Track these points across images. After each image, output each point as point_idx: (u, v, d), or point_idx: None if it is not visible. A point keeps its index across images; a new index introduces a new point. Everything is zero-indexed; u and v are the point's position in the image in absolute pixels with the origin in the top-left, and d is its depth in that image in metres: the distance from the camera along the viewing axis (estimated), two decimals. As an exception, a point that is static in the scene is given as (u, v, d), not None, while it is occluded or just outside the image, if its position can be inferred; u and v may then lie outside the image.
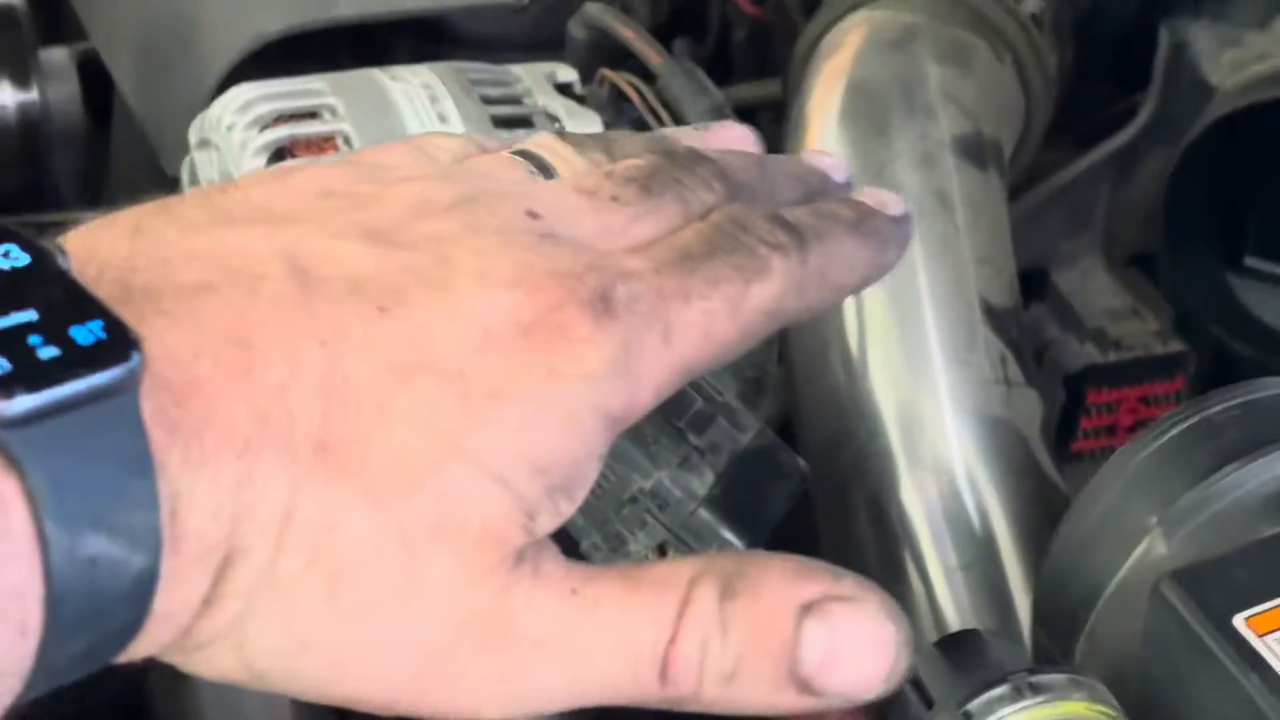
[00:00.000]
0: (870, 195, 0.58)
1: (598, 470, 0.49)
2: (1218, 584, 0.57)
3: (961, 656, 0.59)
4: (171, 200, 0.50)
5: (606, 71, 0.86)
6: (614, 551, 0.78)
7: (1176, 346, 1.03)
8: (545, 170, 0.54)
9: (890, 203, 0.58)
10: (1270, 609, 0.56)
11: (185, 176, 0.85)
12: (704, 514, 0.76)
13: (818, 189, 0.59)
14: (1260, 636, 0.55)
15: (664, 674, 0.47)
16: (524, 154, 0.55)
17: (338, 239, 0.48)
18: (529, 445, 0.47)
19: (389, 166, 0.53)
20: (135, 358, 0.42)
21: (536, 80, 0.85)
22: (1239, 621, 0.56)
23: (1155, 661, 0.58)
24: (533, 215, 0.50)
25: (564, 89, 0.85)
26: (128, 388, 0.41)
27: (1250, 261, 1.04)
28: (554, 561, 0.48)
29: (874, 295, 0.87)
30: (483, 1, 1.01)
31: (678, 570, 0.48)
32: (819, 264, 0.53)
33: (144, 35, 1.00)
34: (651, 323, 0.49)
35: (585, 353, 0.48)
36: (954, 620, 0.83)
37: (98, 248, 0.46)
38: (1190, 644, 0.56)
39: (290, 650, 0.45)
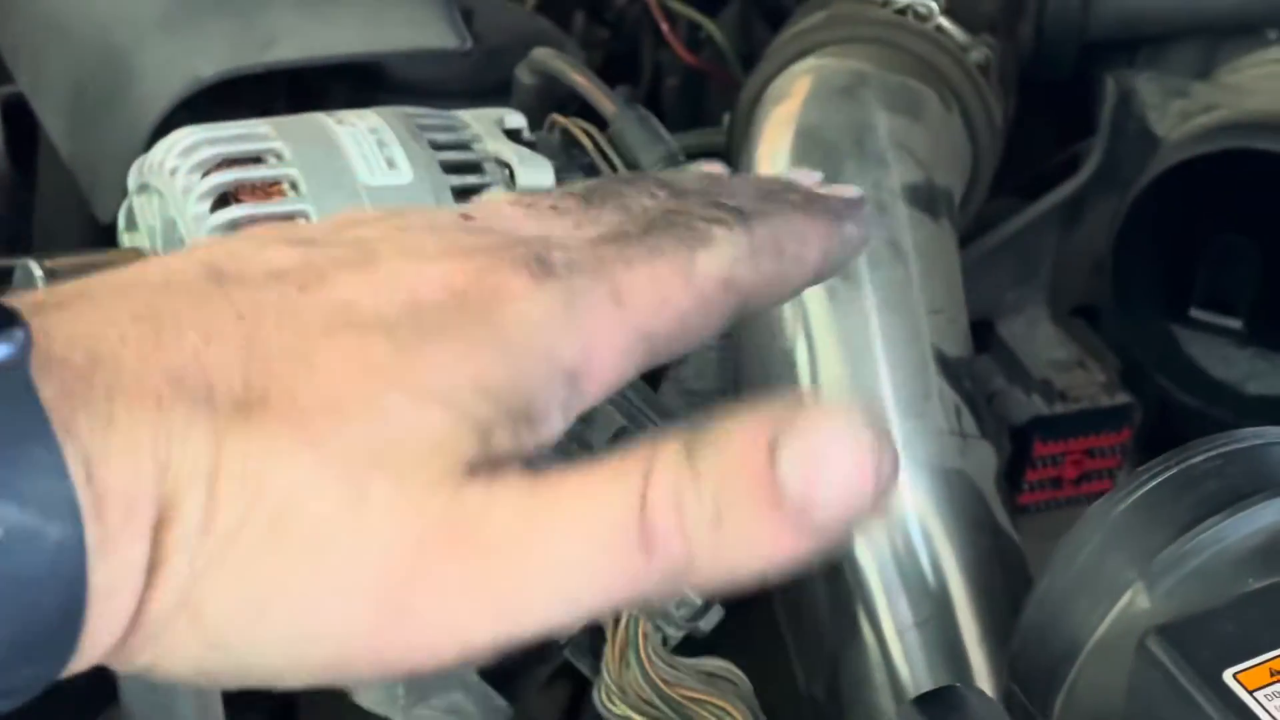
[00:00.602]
0: (824, 186, 0.57)
1: (562, 424, 0.47)
2: (1206, 639, 0.56)
3: (942, 713, 0.58)
4: None
5: (558, 117, 0.85)
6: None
7: (1123, 398, 1.02)
8: None
9: (845, 188, 0.56)
10: (1260, 664, 0.55)
11: (122, 221, 0.82)
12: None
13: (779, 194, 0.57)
14: (1251, 692, 0.55)
15: (645, 542, 0.43)
16: None
17: (261, 248, 0.47)
18: (471, 371, 0.45)
19: None
20: (19, 335, 0.40)
21: (485, 126, 0.83)
22: (1228, 677, 0.55)
23: (1141, 718, 0.57)
24: (467, 217, 0.50)
25: (513, 135, 0.83)
26: (14, 364, 0.40)
27: (1196, 313, 1.04)
28: (512, 470, 0.45)
29: (827, 345, 0.86)
30: (422, 47, 0.99)
31: (636, 448, 0.45)
32: (767, 234, 0.51)
33: (75, 79, 0.97)
34: (596, 283, 0.47)
35: (524, 307, 0.46)
36: (908, 678, 0.82)
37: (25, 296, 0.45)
38: (1179, 700, 0.55)
39: (249, 611, 0.43)
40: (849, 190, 0.56)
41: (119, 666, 0.44)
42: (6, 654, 0.41)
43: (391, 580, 0.43)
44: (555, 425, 0.47)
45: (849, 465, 0.42)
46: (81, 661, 0.42)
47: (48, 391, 0.41)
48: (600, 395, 0.48)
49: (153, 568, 0.42)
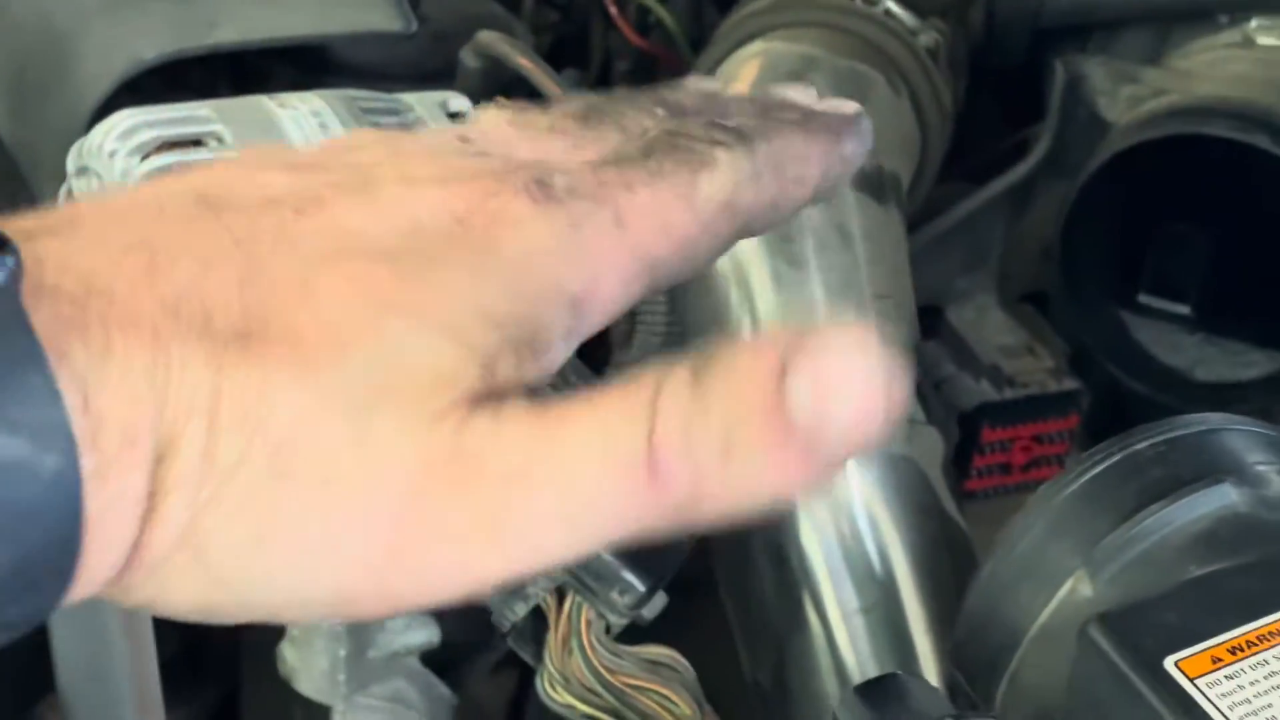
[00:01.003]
0: (821, 102, 0.55)
1: (565, 352, 0.46)
2: (1147, 626, 0.56)
3: (883, 702, 0.57)
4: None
5: (503, 101, 0.84)
6: (511, 594, 0.76)
7: (1071, 384, 1.02)
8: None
9: (842, 104, 0.55)
10: (1202, 651, 0.55)
11: (62, 203, 0.82)
12: (605, 555, 0.74)
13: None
14: (1192, 680, 0.54)
15: (653, 471, 0.41)
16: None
17: (254, 171, 0.46)
18: (476, 300, 0.44)
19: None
20: (9, 261, 0.39)
21: (429, 109, 0.82)
22: (1170, 665, 0.54)
23: (1083, 707, 0.57)
24: (464, 139, 0.49)
25: (457, 118, 0.83)
26: (4, 291, 0.39)
27: (1144, 299, 1.04)
28: (517, 401, 0.44)
29: (774, 330, 0.85)
30: (367, 29, 0.98)
31: (644, 373, 0.44)
32: (768, 154, 0.50)
33: (15, 61, 0.96)
34: (598, 207, 0.47)
35: (528, 231, 0.45)
36: (854, 665, 0.81)
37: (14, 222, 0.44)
38: (1120, 688, 0.55)
39: (251, 546, 0.42)
40: (847, 106, 0.55)
41: (119, 599, 0.43)
42: (7, 582, 0.40)
43: (396, 516, 0.42)
44: (558, 354, 0.46)
45: (861, 394, 0.41)
46: (79, 591, 0.42)
47: (40, 317, 0.40)
48: (601, 322, 0.47)
49: (152, 500, 0.41)
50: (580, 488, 0.42)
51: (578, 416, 0.43)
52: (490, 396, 0.43)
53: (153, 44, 0.92)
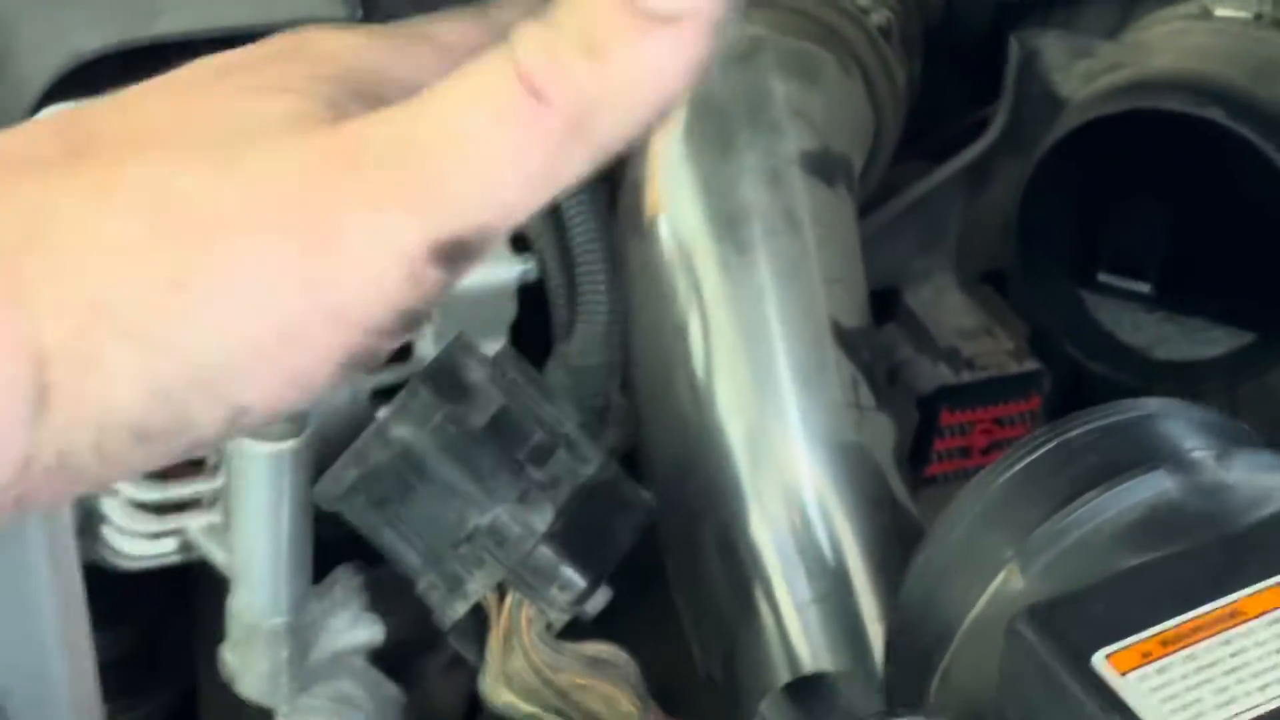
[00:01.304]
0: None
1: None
2: (1076, 620, 0.55)
3: (811, 701, 0.57)
4: None
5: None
6: (451, 592, 0.75)
7: (1031, 365, 1.01)
8: None
9: None
10: (1132, 645, 0.54)
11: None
12: (545, 550, 0.73)
13: None
14: (1122, 675, 0.53)
15: (534, 96, 0.42)
16: None
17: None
18: (311, 70, 0.45)
19: None
20: None
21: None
22: (1099, 660, 0.53)
23: (1012, 703, 0.56)
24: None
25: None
26: None
27: (1104, 277, 1.03)
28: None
29: (720, 318, 0.84)
30: (313, 16, 0.97)
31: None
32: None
33: (-46, 55, 0.96)
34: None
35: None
36: (806, 655, 0.80)
37: None
38: (1048, 684, 0.53)
39: (165, 292, 0.42)
40: None
41: (78, 423, 0.42)
42: None
43: (295, 220, 0.42)
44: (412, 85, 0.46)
45: None
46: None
47: None
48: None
49: (29, 300, 0.41)
50: (468, 136, 0.43)
51: (444, 84, 0.43)
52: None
53: (93, 35, 0.91)
